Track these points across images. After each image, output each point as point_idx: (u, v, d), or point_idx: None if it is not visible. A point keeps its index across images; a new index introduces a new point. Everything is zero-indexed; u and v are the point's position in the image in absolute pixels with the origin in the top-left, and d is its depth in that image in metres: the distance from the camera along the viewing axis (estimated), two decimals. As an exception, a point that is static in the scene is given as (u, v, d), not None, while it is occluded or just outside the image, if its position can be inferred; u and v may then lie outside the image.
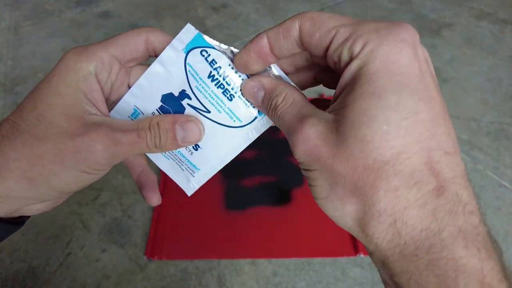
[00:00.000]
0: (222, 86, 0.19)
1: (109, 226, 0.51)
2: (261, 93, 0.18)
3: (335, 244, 0.48)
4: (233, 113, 0.19)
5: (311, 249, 0.48)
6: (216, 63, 0.18)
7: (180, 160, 0.21)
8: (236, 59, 0.18)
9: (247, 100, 0.19)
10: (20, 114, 0.18)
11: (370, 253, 0.15)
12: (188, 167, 0.22)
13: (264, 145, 0.60)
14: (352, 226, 0.15)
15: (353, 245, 0.48)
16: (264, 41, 0.17)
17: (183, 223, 0.50)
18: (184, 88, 0.19)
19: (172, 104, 0.20)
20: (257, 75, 0.18)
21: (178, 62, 0.19)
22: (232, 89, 0.19)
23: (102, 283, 0.45)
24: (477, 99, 0.70)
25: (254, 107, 0.20)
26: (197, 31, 0.18)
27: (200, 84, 0.19)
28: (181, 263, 0.47)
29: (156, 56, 0.20)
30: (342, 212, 0.15)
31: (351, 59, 0.15)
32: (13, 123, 0.18)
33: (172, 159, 0.22)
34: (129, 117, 0.21)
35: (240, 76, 0.19)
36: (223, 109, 0.19)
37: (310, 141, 0.15)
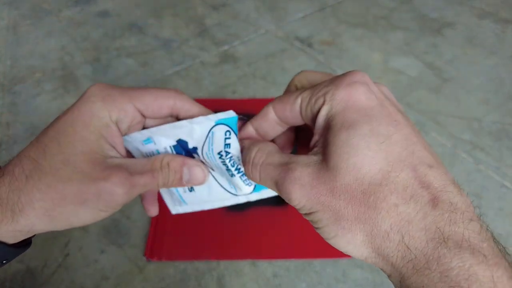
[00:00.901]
0: (225, 165, 0.20)
1: (108, 227, 0.51)
2: (242, 151, 0.20)
3: (335, 245, 0.48)
4: (231, 184, 0.21)
5: (312, 250, 0.47)
6: (229, 147, 0.20)
7: (172, 191, 0.23)
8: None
9: (244, 181, 0.21)
10: (43, 154, 0.19)
11: (389, 276, 0.15)
12: (177, 199, 0.23)
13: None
14: (368, 254, 0.15)
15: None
16: (249, 128, 0.20)
17: (183, 224, 0.50)
18: (197, 146, 0.21)
19: (185, 148, 0.21)
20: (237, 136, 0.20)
21: (206, 127, 0.20)
22: (235, 170, 0.20)
23: (101, 284, 0.45)
24: (479, 99, 0.70)
25: (250, 185, 0.21)
26: (236, 115, 0.20)
27: (209, 153, 0.20)
28: (181, 264, 0.47)
29: (178, 119, 0.21)
30: (355, 243, 0.15)
31: (318, 112, 0.17)
32: (36, 163, 0.18)
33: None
34: (141, 141, 0.21)
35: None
36: (224, 176, 0.21)
37: (306, 184, 0.15)
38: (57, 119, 0.20)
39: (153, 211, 0.25)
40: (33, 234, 0.20)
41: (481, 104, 0.69)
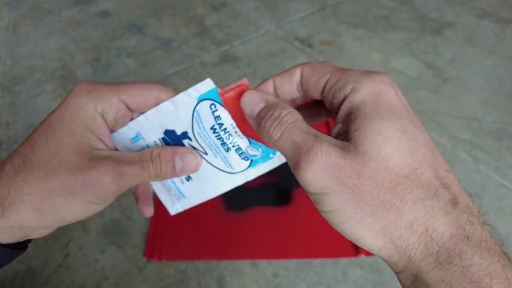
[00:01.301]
0: (221, 139, 0.20)
1: (108, 227, 0.51)
2: (261, 105, 0.18)
3: (335, 245, 0.48)
4: (227, 161, 0.21)
5: (312, 250, 0.47)
6: (220, 119, 0.20)
7: (169, 186, 0.23)
8: (243, 98, 0.19)
9: (240, 155, 0.20)
10: (31, 149, 0.19)
11: (399, 271, 0.15)
12: (175, 193, 0.23)
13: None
14: (383, 243, 0.15)
15: (354, 246, 0.47)
16: (270, 83, 0.20)
17: (183, 224, 0.50)
18: (187, 131, 0.21)
19: (174, 139, 0.21)
20: (260, 91, 0.19)
21: (188, 107, 0.20)
22: (230, 143, 0.20)
23: (101, 284, 0.45)
24: (479, 99, 0.70)
25: (247, 159, 0.21)
26: (214, 86, 0.20)
27: (202, 132, 0.20)
28: (181, 264, 0.47)
29: None
30: (373, 229, 0.15)
31: (344, 97, 0.17)
32: (25, 158, 0.19)
33: (162, 183, 0.23)
34: (129, 139, 0.21)
35: (239, 135, 0.20)
36: (219, 155, 0.21)
37: (331, 161, 0.15)
38: (47, 116, 0.20)
39: (148, 211, 0.24)
40: (26, 236, 0.20)
41: (481, 104, 0.69)
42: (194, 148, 0.21)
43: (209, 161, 0.21)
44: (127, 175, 0.19)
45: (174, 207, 0.24)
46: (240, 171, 0.21)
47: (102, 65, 0.78)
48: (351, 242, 0.48)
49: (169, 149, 0.20)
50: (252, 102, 0.19)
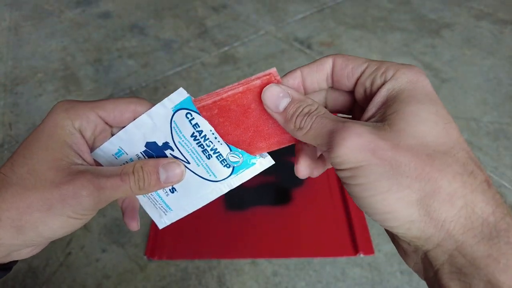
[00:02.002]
0: (202, 146, 0.21)
1: (109, 226, 0.51)
2: (286, 100, 0.18)
3: (335, 244, 0.48)
4: (210, 169, 0.21)
5: (311, 249, 0.48)
6: (199, 126, 0.20)
7: (155, 199, 0.23)
8: (264, 92, 0.19)
9: (222, 161, 0.21)
10: (11, 167, 0.19)
11: (432, 248, 0.15)
12: (161, 206, 0.23)
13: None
14: (418, 216, 0.14)
15: (353, 245, 0.48)
16: (297, 74, 0.19)
17: (183, 223, 0.50)
18: (167, 141, 0.21)
19: (155, 150, 0.21)
20: (283, 86, 0.19)
21: (165, 118, 0.20)
22: (211, 149, 0.21)
23: (102, 283, 0.45)
24: (477, 99, 0.70)
25: (228, 166, 0.21)
26: (187, 95, 0.20)
27: (182, 140, 0.21)
28: (181, 263, 0.47)
29: None
30: (409, 201, 0.14)
31: (383, 83, 0.17)
32: (4, 177, 0.19)
33: (147, 197, 0.23)
34: (113, 155, 0.22)
35: (219, 141, 0.21)
36: (201, 163, 0.21)
37: (364, 135, 0.15)
38: (26, 137, 0.20)
39: (134, 225, 0.24)
40: (10, 257, 0.20)
41: (479, 104, 0.69)
42: (175, 157, 0.21)
43: (192, 170, 0.21)
44: (106, 188, 0.19)
45: (162, 221, 0.25)
46: (223, 179, 0.22)
47: (104, 65, 0.79)
48: (350, 241, 0.50)
49: (152, 161, 0.20)
50: (275, 97, 0.18)
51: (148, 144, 0.21)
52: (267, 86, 0.18)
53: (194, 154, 0.21)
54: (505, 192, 0.55)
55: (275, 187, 0.55)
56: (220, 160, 0.21)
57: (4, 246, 0.19)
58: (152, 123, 0.21)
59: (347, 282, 0.45)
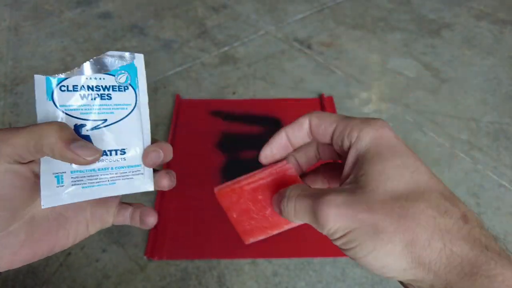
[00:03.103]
0: (100, 95, 0.21)
1: (110, 226, 0.51)
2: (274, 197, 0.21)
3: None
4: (120, 104, 0.21)
5: (311, 249, 0.48)
6: (77, 85, 0.20)
7: (123, 172, 0.22)
8: (262, 152, 0.22)
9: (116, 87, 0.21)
10: None
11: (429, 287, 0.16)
12: (131, 172, 0.22)
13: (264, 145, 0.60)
14: (407, 264, 0.16)
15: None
16: (283, 135, 0.22)
17: (183, 223, 0.50)
18: (75, 123, 0.20)
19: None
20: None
21: (51, 110, 0.20)
22: (105, 88, 0.21)
23: (102, 283, 0.45)
24: (477, 99, 0.70)
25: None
26: (44, 77, 0.20)
27: (83, 108, 0.20)
28: (181, 263, 0.47)
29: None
30: (394, 254, 0.16)
31: (350, 144, 0.19)
32: None
33: (114, 179, 0.22)
34: (56, 186, 0.20)
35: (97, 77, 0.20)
36: (111, 108, 0.21)
37: (341, 205, 0.17)
38: None
39: (151, 220, 0.23)
40: None
41: (479, 104, 0.69)
42: (94, 128, 0.21)
43: (113, 121, 0.21)
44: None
45: (147, 185, 0.22)
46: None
47: (103, 66, 0.79)
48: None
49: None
50: (277, 203, 0.21)
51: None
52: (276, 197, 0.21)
53: (100, 109, 0.21)
54: (505, 192, 0.55)
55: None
56: (118, 92, 0.21)
57: None
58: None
59: (347, 282, 0.45)
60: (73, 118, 0.20)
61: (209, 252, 0.48)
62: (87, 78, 0.20)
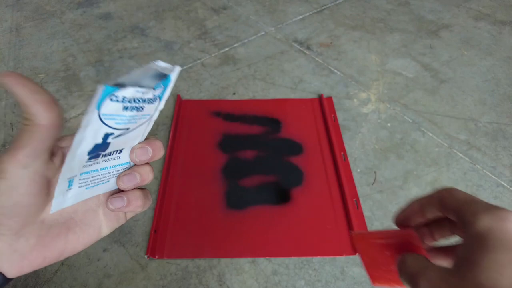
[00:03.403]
0: (136, 108, 0.20)
1: (110, 225, 0.51)
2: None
3: (334, 243, 0.48)
4: (145, 115, 0.21)
5: (311, 248, 0.48)
6: (126, 97, 0.19)
7: (117, 170, 0.22)
8: (398, 216, 0.24)
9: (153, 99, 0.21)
10: None
11: None
12: (123, 169, 0.22)
13: (264, 145, 0.60)
14: None
15: (352, 245, 0.48)
16: (416, 206, 0.23)
17: (184, 223, 0.51)
18: (105, 132, 0.20)
19: (97, 149, 0.20)
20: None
21: (94, 119, 0.19)
22: (144, 101, 0.20)
23: (103, 282, 0.46)
24: (475, 100, 0.71)
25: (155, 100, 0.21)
26: (103, 86, 0.18)
27: (119, 118, 0.20)
28: (182, 262, 0.47)
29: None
30: None
31: (464, 225, 0.19)
32: None
33: (109, 177, 0.22)
34: (66, 189, 0.21)
35: (143, 91, 0.20)
36: (137, 118, 0.21)
37: (435, 278, 0.18)
38: None
39: (118, 202, 0.22)
40: None
41: (478, 104, 0.70)
42: (118, 136, 0.20)
43: (135, 128, 0.21)
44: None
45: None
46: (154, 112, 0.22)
47: (105, 66, 0.79)
48: (349, 240, 0.50)
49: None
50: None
51: (90, 153, 0.20)
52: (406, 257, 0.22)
53: (131, 121, 0.20)
54: (503, 192, 0.55)
55: (275, 186, 0.55)
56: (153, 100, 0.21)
57: None
58: (85, 133, 0.19)
59: (347, 281, 0.46)
60: (108, 127, 0.20)
61: (210, 251, 0.48)
62: (135, 91, 0.19)
